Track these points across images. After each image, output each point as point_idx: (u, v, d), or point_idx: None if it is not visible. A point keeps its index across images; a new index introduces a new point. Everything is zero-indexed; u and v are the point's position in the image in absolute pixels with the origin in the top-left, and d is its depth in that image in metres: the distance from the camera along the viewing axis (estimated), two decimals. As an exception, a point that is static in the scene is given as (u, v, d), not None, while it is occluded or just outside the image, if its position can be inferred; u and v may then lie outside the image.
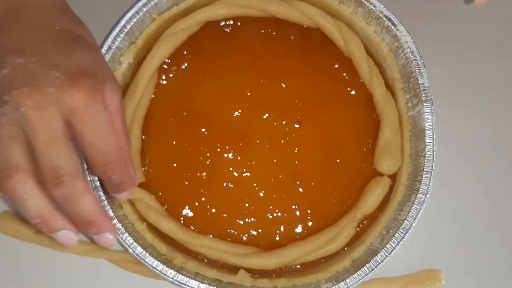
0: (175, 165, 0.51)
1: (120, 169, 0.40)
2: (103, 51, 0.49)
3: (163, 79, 0.52)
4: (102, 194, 0.47)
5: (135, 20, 0.50)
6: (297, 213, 0.51)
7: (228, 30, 0.53)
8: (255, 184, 0.51)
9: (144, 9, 0.50)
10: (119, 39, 0.50)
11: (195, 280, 0.47)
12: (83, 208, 0.37)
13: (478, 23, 0.57)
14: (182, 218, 0.50)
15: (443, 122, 0.53)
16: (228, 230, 0.50)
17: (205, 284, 0.47)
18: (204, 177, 0.51)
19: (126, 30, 0.50)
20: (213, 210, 0.51)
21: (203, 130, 0.52)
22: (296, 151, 0.52)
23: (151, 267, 0.47)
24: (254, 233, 0.51)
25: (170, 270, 0.46)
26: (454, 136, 0.55)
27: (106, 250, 0.51)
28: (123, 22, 0.50)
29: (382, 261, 0.47)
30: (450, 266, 0.53)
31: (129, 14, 0.50)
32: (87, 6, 0.50)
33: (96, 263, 0.51)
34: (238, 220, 0.51)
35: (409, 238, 0.48)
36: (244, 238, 0.50)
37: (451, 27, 0.57)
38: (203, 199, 0.51)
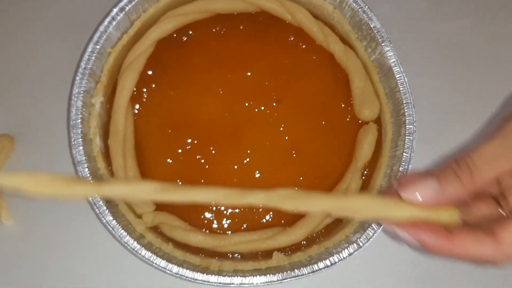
0: (178, 181, 0.52)
1: None
2: (73, 98, 0.50)
3: (137, 108, 0.54)
4: (123, 232, 0.48)
5: (93, 59, 0.51)
6: (305, 182, 0.53)
7: (184, 39, 0.55)
8: (257, 171, 0.53)
9: (98, 47, 0.51)
10: (84, 82, 0.51)
11: (237, 276, 0.48)
12: None
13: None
14: (204, 226, 0.52)
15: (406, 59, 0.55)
16: (248, 221, 0.52)
17: (248, 276, 0.48)
18: (209, 182, 0.52)
19: (87, 72, 0.51)
20: (229, 210, 0.52)
21: (192, 139, 0.53)
22: (283, 128, 0.54)
23: (192, 280, 0.48)
24: (272, 213, 0.52)
25: (211, 276, 0.48)
26: (421, 67, 0.58)
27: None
28: (83, 64, 0.50)
29: (397, 197, 0.50)
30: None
31: (86, 55, 0.51)
32: (45, 53, 0.51)
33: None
34: (254, 210, 0.52)
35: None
36: (264, 221, 0.52)
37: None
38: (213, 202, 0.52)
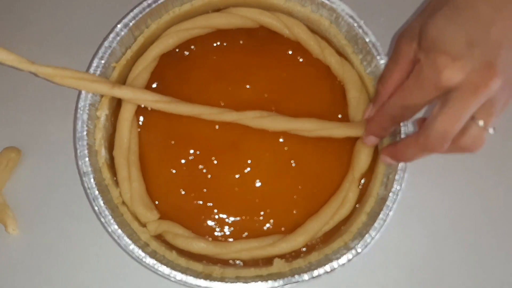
0: (181, 190, 0.54)
1: None
2: (79, 111, 0.52)
3: (141, 120, 0.55)
4: (118, 229, 0.50)
5: (98, 73, 0.53)
6: (304, 191, 0.55)
7: (186, 54, 0.56)
8: (258, 180, 0.55)
9: (103, 61, 0.53)
10: (89, 96, 0.52)
11: (239, 283, 0.50)
12: None
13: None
14: (207, 234, 0.53)
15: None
16: (250, 229, 0.54)
17: (249, 283, 0.50)
18: (211, 191, 0.54)
19: (93, 86, 0.53)
20: (231, 218, 0.54)
21: (194, 150, 0.55)
22: (282, 139, 0.55)
23: (195, 287, 0.49)
24: (272, 221, 0.54)
25: (214, 283, 0.49)
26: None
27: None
28: (88, 79, 0.52)
29: (393, 204, 0.51)
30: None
31: (91, 70, 0.52)
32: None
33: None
34: (255, 217, 0.54)
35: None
36: (265, 229, 0.54)
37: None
38: (215, 210, 0.54)
